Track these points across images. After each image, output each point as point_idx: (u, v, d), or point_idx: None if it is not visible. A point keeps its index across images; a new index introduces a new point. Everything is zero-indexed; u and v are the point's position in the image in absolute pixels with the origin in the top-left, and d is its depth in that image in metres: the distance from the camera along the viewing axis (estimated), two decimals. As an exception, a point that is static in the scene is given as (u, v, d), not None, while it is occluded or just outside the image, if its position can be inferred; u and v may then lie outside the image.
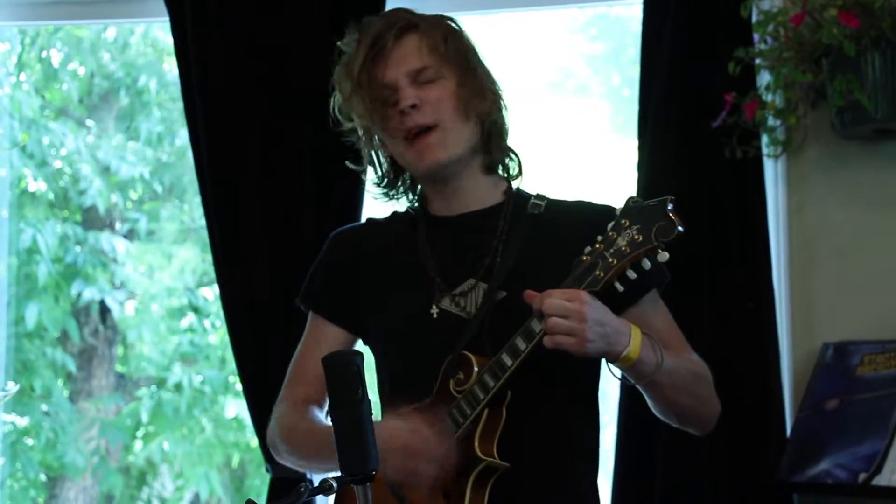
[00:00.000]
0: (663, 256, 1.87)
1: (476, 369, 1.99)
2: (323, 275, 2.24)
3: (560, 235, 2.08)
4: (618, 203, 2.02)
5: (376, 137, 2.17)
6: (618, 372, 1.98)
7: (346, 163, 2.26)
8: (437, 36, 2.10)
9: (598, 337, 1.90)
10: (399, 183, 2.22)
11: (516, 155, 2.19)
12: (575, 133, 5.05)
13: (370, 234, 2.24)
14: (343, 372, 1.64)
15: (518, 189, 2.20)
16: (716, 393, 2.14)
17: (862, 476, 2.61)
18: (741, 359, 2.88)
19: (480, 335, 2.03)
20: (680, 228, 1.85)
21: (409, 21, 2.12)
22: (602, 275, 1.90)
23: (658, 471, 2.89)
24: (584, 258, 1.92)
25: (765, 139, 2.89)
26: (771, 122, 2.86)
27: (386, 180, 2.21)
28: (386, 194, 2.23)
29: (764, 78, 2.88)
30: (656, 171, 2.96)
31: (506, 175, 2.19)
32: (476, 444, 1.97)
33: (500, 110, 2.15)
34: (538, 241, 2.09)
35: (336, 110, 2.18)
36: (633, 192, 2.98)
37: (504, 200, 2.16)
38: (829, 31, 2.65)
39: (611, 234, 1.91)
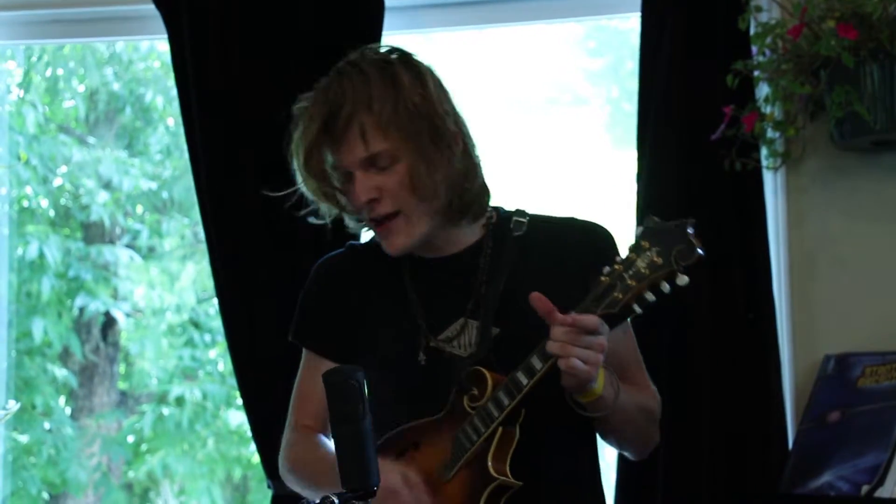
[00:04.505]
0: (682, 280, 1.85)
1: (491, 383, 1.98)
2: (312, 310, 2.24)
3: (545, 260, 2.08)
4: (604, 221, 2.04)
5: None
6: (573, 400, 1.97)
7: (311, 219, 2.19)
8: (386, 111, 1.99)
9: (594, 368, 1.91)
10: None
11: (485, 191, 2.12)
12: (573, 146, 5.06)
13: (355, 262, 2.21)
14: (344, 388, 1.65)
15: (498, 211, 2.17)
16: (658, 426, 2.17)
17: (864, 488, 2.60)
18: (742, 371, 2.88)
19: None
20: (700, 251, 1.84)
21: (353, 102, 2.00)
22: (621, 297, 1.88)
23: (659, 484, 2.89)
24: (603, 278, 1.90)
25: (764, 151, 2.89)
26: (770, 133, 2.86)
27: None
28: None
29: (762, 90, 2.88)
30: (655, 184, 2.96)
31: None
32: (489, 462, 1.96)
33: (466, 157, 2.05)
34: (524, 268, 2.08)
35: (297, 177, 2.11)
36: (633, 205, 2.98)
37: (484, 235, 2.14)
38: (828, 43, 2.65)
39: (630, 255, 1.88)
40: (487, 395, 1.97)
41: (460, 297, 2.09)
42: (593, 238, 2.06)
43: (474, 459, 1.98)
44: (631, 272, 1.87)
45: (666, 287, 1.87)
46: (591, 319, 1.88)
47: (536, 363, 1.92)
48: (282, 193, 2.15)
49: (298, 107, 2.09)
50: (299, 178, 2.09)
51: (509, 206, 2.19)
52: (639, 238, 1.89)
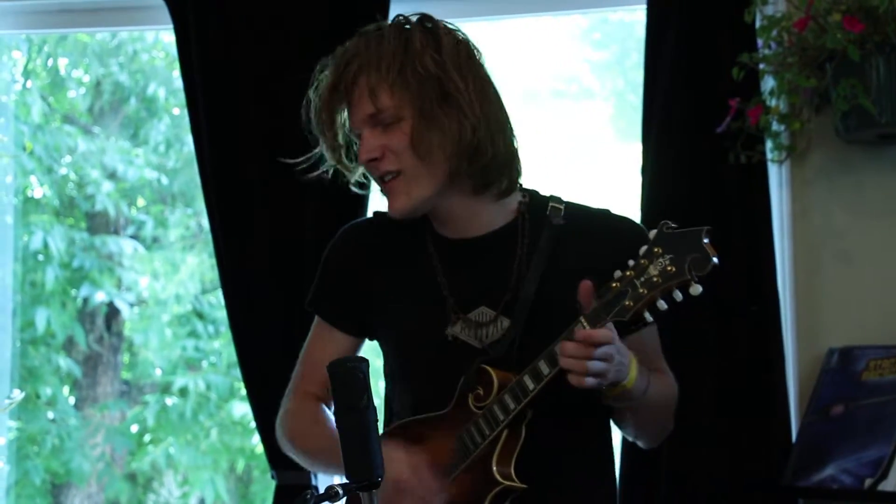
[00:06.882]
0: (696, 290, 1.82)
1: (497, 384, 1.95)
2: (331, 279, 2.18)
3: (580, 256, 2.02)
4: (627, 211, 1.99)
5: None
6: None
7: (352, 187, 2.16)
8: (394, 70, 1.97)
9: (613, 373, 1.88)
10: None
11: (514, 161, 2.05)
12: (579, 138, 5.06)
13: (379, 231, 2.15)
14: (348, 379, 1.64)
15: (531, 195, 2.10)
16: (674, 415, 2.14)
17: (868, 481, 2.60)
18: (746, 364, 2.88)
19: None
20: (714, 260, 1.80)
21: (363, 60, 2.00)
22: (631, 304, 1.85)
23: (663, 476, 2.89)
24: (614, 284, 1.86)
25: (769, 144, 2.89)
26: (775, 127, 2.86)
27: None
28: None
29: (768, 83, 2.88)
30: (660, 176, 2.95)
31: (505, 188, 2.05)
32: (494, 465, 1.93)
33: (484, 127, 1.98)
34: (557, 263, 2.02)
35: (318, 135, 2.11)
36: (638, 198, 2.98)
37: (515, 218, 2.07)
38: (834, 36, 2.65)
39: (642, 261, 1.84)
40: (492, 396, 1.95)
41: (489, 284, 2.04)
42: (630, 238, 1.98)
43: (478, 462, 1.95)
44: (642, 279, 1.84)
45: (679, 296, 1.84)
46: (604, 334, 1.85)
47: (544, 368, 1.89)
48: (296, 161, 2.16)
49: (320, 67, 2.08)
50: (320, 140, 2.08)
51: (543, 192, 2.12)
52: (652, 243, 1.85)
